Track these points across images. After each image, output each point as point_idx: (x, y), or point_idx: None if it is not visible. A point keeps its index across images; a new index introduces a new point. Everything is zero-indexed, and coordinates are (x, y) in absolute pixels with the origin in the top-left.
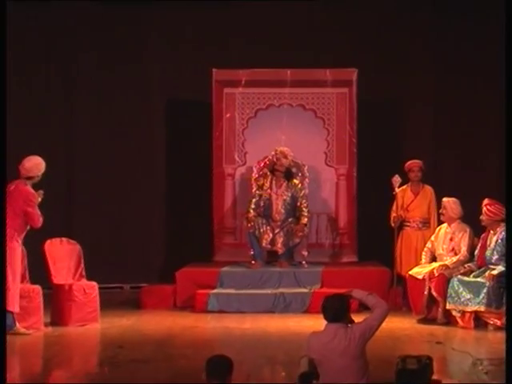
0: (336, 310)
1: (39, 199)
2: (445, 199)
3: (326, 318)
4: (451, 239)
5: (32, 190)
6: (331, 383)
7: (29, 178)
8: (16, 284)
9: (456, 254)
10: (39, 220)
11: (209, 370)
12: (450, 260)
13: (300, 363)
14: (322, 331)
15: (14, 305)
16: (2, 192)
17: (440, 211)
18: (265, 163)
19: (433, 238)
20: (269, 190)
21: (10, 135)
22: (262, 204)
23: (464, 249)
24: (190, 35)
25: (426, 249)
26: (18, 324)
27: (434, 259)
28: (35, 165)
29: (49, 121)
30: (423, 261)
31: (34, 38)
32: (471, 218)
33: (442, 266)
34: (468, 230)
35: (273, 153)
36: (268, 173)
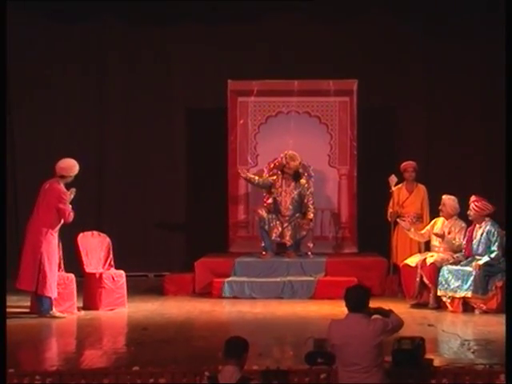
0: (358, 300)
1: (71, 196)
2: (444, 196)
3: (348, 308)
4: (449, 233)
5: (64, 189)
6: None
7: (62, 177)
8: (53, 272)
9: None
10: (70, 215)
11: (227, 349)
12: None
13: (306, 343)
14: (344, 319)
15: (51, 291)
16: (2, 192)
17: (439, 207)
18: (274, 164)
19: (429, 227)
20: (279, 189)
21: (49, 138)
22: (271, 200)
23: (461, 240)
24: (207, 50)
25: (425, 229)
26: (54, 308)
27: (429, 249)
28: (69, 166)
29: (83, 126)
30: (423, 231)
31: (73, 53)
32: (459, 214)
33: (442, 256)
34: (464, 226)
35: (282, 155)
36: (278, 172)
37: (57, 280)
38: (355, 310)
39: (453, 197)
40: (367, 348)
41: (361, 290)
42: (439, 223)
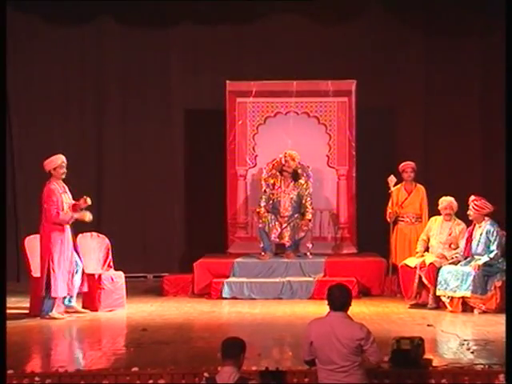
0: (345, 300)
1: (86, 204)
2: (448, 198)
3: (332, 307)
4: (450, 234)
5: (51, 187)
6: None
7: (51, 175)
8: (60, 272)
9: (451, 247)
10: (52, 216)
11: (224, 350)
12: (449, 253)
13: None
14: (325, 318)
15: (56, 291)
16: (3, 191)
17: (446, 211)
18: (273, 165)
19: (425, 230)
20: (278, 189)
21: (47, 139)
22: (270, 201)
23: (462, 246)
24: (205, 52)
25: (421, 239)
26: (54, 310)
27: (427, 249)
28: (50, 160)
29: (82, 127)
30: (418, 249)
31: (72, 53)
32: (457, 213)
33: (441, 255)
34: (464, 226)
35: (281, 155)
36: (277, 173)
37: (69, 278)
38: (338, 309)
39: (452, 198)
40: (346, 348)
41: (345, 289)
42: (435, 228)
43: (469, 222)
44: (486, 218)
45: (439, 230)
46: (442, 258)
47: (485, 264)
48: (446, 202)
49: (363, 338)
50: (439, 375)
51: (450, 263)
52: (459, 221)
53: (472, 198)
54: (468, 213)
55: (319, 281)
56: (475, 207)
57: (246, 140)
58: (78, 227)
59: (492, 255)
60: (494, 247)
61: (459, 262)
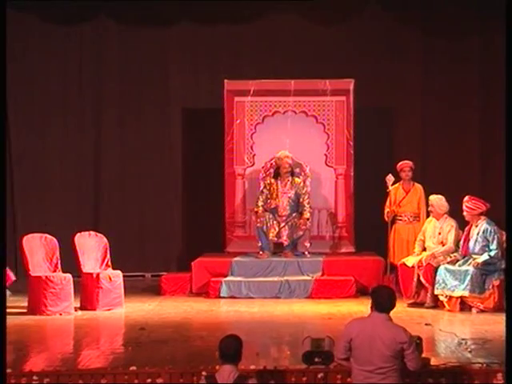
0: (392, 302)
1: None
2: (431, 197)
3: (378, 308)
4: (439, 233)
5: None
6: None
7: None
8: None
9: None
10: None
11: (221, 348)
12: (437, 249)
13: (303, 343)
14: (367, 318)
15: None
16: (2, 191)
17: (428, 209)
18: (271, 164)
19: (422, 230)
20: (276, 188)
21: (46, 139)
22: (268, 200)
23: (450, 241)
24: (203, 51)
25: (418, 240)
26: None
27: (424, 249)
28: None
29: (80, 126)
30: (416, 250)
31: (71, 53)
32: (455, 212)
33: (430, 255)
34: (454, 224)
35: (273, 160)
36: (274, 174)
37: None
38: (383, 311)
39: (439, 196)
40: (389, 350)
41: (392, 291)
42: (429, 228)
43: (465, 222)
44: (483, 217)
45: (433, 230)
46: (432, 259)
47: (483, 263)
48: (430, 200)
49: (406, 341)
50: (437, 374)
51: (447, 262)
52: (450, 218)
53: (465, 198)
54: (463, 214)
55: (317, 280)
56: (466, 208)
57: (244, 139)
58: (76, 226)
59: (493, 254)
60: (493, 246)
61: (457, 261)
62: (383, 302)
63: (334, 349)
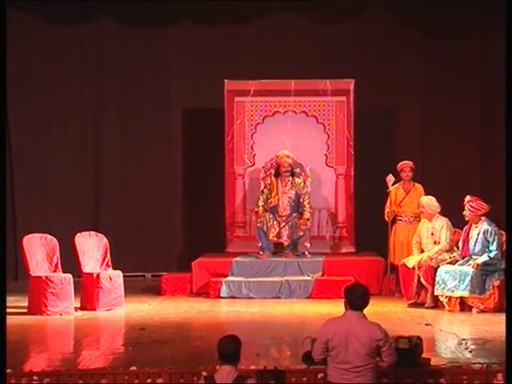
0: (365, 299)
1: None
2: (422, 198)
3: (351, 306)
4: (432, 234)
5: None
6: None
7: None
8: None
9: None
10: None
11: (219, 348)
12: (431, 250)
13: (303, 343)
14: (342, 317)
15: None
16: (2, 191)
17: (419, 209)
18: (271, 164)
19: (417, 232)
20: (276, 189)
21: (46, 138)
22: (269, 201)
23: (443, 239)
24: (204, 51)
25: (414, 242)
26: None
27: (422, 250)
28: None
29: (80, 126)
30: (414, 252)
31: (70, 55)
32: (454, 212)
33: (427, 259)
34: (445, 222)
35: (274, 159)
36: (274, 173)
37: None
38: (357, 309)
39: (430, 196)
40: (364, 348)
41: (365, 289)
42: (423, 230)
43: (464, 222)
44: (483, 218)
45: (426, 230)
46: (427, 261)
47: (483, 263)
48: (421, 201)
49: (382, 338)
50: (437, 374)
51: (447, 263)
52: (441, 217)
53: (467, 198)
54: (464, 213)
55: (317, 280)
56: (471, 208)
57: (245, 139)
58: (76, 226)
59: (492, 255)
60: (493, 247)
61: (457, 261)
62: (357, 299)
63: (312, 349)
